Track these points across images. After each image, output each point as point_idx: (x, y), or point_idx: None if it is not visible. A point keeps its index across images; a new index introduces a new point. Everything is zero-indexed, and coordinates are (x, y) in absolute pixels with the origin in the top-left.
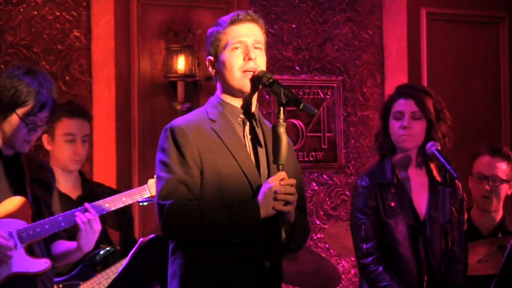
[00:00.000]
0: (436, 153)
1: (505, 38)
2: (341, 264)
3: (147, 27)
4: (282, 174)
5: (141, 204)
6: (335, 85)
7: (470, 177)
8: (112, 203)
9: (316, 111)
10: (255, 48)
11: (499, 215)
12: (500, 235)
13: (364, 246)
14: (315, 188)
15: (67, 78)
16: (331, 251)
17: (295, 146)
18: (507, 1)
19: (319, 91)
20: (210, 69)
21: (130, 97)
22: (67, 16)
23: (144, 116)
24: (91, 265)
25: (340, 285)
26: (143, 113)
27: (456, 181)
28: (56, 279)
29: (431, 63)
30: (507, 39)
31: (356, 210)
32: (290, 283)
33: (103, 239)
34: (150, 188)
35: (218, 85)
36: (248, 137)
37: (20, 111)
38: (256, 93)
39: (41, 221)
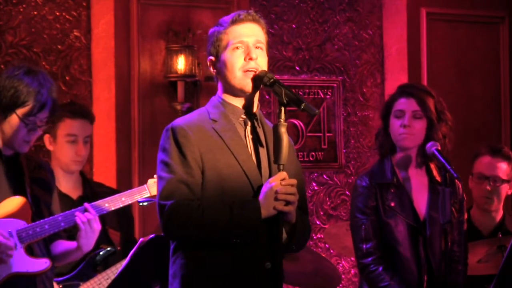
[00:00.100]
0: (436, 153)
1: (505, 38)
2: (341, 264)
3: (147, 27)
4: (283, 174)
5: (141, 204)
6: (335, 85)
7: (471, 177)
8: (112, 203)
9: (317, 111)
10: (256, 48)
11: (499, 215)
12: (500, 235)
13: (364, 246)
14: (315, 188)
15: (67, 78)
16: (331, 251)
17: (295, 146)
18: (507, 1)
19: (319, 91)
20: (211, 69)
21: (130, 97)
22: (67, 16)
23: (144, 116)
24: (91, 265)
25: (340, 285)
26: (143, 113)
27: (456, 181)
28: (56, 279)
29: (431, 63)
30: (507, 39)
31: (356, 210)
32: (290, 283)
33: (104, 239)
34: (150, 188)
35: (219, 85)
36: (249, 137)
37: (20, 111)
38: (258, 93)
39: (41, 221)
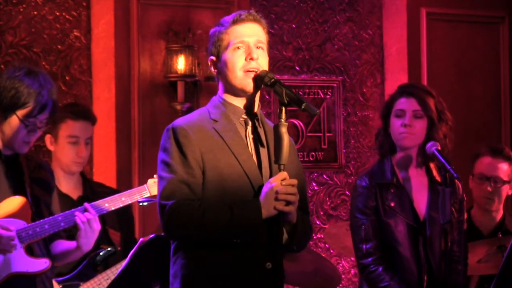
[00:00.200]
0: (436, 153)
1: (505, 38)
2: (341, 264)
3: (147, 27)
4: (284, 174)
5: (141, 204)
6: (335, 85)
7: (471, 177)
8: (111, 203)
9: (317, 111)
10: (257, 48)
11: (499, 215)
12: (500, 235)
13: (364, 246)
14: (315, 188)
15: (67, 78)
16: (331, 251)
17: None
18: (507, 1)
19: (319, 91)
20: (212, 69)
21: (130, 97)
22: (67, 16)
23: (144, 116)
24: (91, 265)
25: (340, 285)
26: (143, 113)
27: (456, 181)
28: (56, 279)
29: (431, 63)
30: (507, 39)
31: (356, 210)
32: (290, 283)
33: (104, 239)
34: (149, 188)
35: (220, 85)
36: (250, 137)
37: (20, 112)
38: (259, 93)
39: (41, 221)
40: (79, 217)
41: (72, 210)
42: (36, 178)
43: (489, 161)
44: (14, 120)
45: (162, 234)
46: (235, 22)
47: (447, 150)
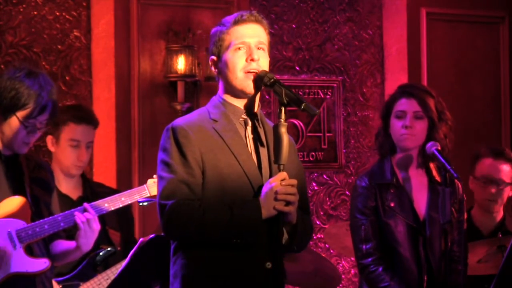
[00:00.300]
0: (436, 153)
1: (505, 38)
2: (341, 264)
3: (147, 27)
4: (283, 174)
5: (141, 204)
6: (335, 85)
7: (472, 178)
8: (111, 203)
9: (317, 111)
10: (258, 49)
11: (499, 215)
12: (500, 235)
13: (364, 246)
14: (315, 188)
15: (67, 78)
16: (331, 251)
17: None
18: (507, 1)
19: (319, 91)
20: (212, 68)
21: (130, 97)
22: (67, 16)
23: (144, 116)
24: (91, 265)
25: (340, 285)
26: (143, 113)
27: (456, 181)
28: (56, 279)
29: (431, 63)
30: (507, 39)
31: (356, 210)
32: (290, 283)
33: (104, 239)
34: (149, 188)
35: (220, 85)
36: (250, 137)
37: (20, 113)
38: (259, 93)
39: (41, 221)
40: (79, 217)
41: (72, 210)
42: (36, 178)
43: (492, 163)
44: (14, 121)
45: (162, 234)
46: (236, 22)
47: (447, 150)
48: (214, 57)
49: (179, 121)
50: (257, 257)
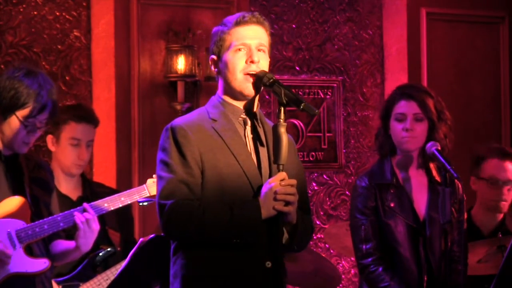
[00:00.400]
0: (436, 153)
1: (505, 38)
2: (341, 264)
3: (147, 27)
4: (283, 174)
5: (141, 204)
6: (335, 85)
7: (475, 179)
8: (111, 203)
9: (317, 111)
10: (259, 50)
11: (500, 215)
12: (500, 235)
13: (364, 246)
14: (315, 188)
15: (67, 78)
16: (331, 251)
17: None
18: (507, 1)
19: (319, 91)
20: (212, 68)
21: (130, 97)
22: (67, 16)
23: (144, 116)
24: (91, 266)
25: (340, 285)
26: (143, 113)
27: (456, 181)
28: (56, 279)
29: (431, 63)
30: (507, 39)
31: (356, 210)
32: (290, 283)
33: (104, 239)
34: (149, 188)
35: (220, 85)
36: (249, 136)
37: (20, 113)
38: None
39: (40, 221)
40: (78, 217)
41: (71, 210)
42: (36, 178)
43: (499, 164)
44: (13, 121)
45: (162, 234)
46: (238, 23)
47: (448, 149)
48: (214, 57)
49: (178, 121)
50: (257, 257)
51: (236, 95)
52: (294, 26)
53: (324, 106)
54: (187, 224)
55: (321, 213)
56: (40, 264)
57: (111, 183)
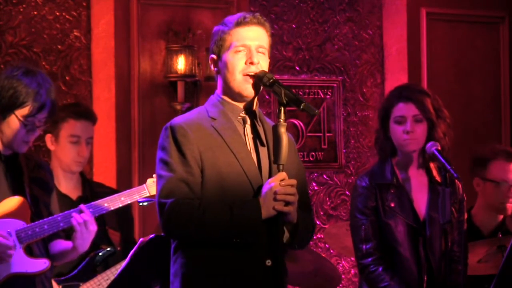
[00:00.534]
0: (436, 153)
1: (505, 38)
2: (341, 264)
3: (147, 27)
4: (283, 174)
5: (141, 204)
6: (335, 85)
7: (479, 180)
8: (111, 203)
9: (317, 111)
10: (258, 52)
11: (500, 216)
12: (500, 235)
13: (364, 246)
14: (315, 188)
15: (67, 78)
16: (331, 251)
17: None
18: (507, 1)
19: (319, 91)
20: (212, 67)
21: (130, 97)
22: (67, 16)
23: (144, 116)
24: (91, 266)
25: (340, 285)
26: (143, 113)
27: (456, 181)
28: (56, 279)
29: (431, 63)
30: (507, 39)
31: (356, 210)
32: (290, 283)
33: (104, 239)
34: (149, 188)
35: (219, 84)
36: (249, 135)
37: (19, 112)
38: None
39: (40, 221)
40: (76, 218)
41: (71, 210)
42: (36, 178)
43: (507, 166)
44: (13, 120)
45: (162, 234)
46: (239, 24)
47: (447, 148)
48: (214, 56)
49: (178, 120)
50: (257, 255)
51: (235, 95)
52: (294, 26)
53: (324, 106)
54: (187, 224)
55: (321, 213)
56: (40, 264)
57: (111, 183)
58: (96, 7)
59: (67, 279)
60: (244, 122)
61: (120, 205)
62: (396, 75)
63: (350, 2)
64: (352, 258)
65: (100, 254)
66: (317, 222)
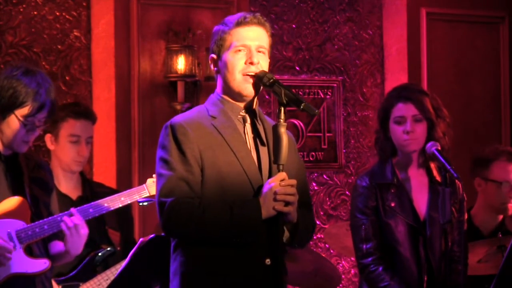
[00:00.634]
0: (436, 153)
1: (505, 38)
2: (341, 264)
3: (147, 27)
4: (283, 174)
5: (141, 204)
6: (335, 85)
7: (480, 180)
8: (111, 203)
9: (317, 111)
10: (259, 52)
11: (500, 216)
12: (500, 235)
13: (364, 246)
14: (315, 188)
15: (67, 78)
16: (331, 251)
17: None
18: (507, 1)
19: (319, 91)
20: (212, 66)
21: (130, 97)
22: (67, 16)
23: (144, 116)
24: (91, 266)
25: (340, 285)
26: (143, 113)
27: (456, 181)
28: (56, 279)
29: (431, 63)
30: (507, 39)
31: (356, 210)
32: (290, 283)
33: (104, 239)
34: (149, 188)
35: (219, 84)
36: (249, 134)
37: (19, 112)
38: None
39: (40, 221)
40: (66, 221)
41: (60, 214)
42: (35, 178)
43: (510, 167)
44: (12, 120)
45: (162, 234)
46: (239, 24)
47: (448, 147)
48: (214, 56)
49: (178, 118)
50: (256, 254)
51: (235, 95)
52: (294, 26)
53: (324, 106)
54: (187, 223)
55: (321, 213)
56: (40, 264)
57: (111, 183)
58: (96, 7)
59: (67, 279)
60: (244, 121)
61: (120, 205)
62: (396, 75)
63: (350, 2)
64: (352, 258)
65: (100, 254)
66: (317, 222)
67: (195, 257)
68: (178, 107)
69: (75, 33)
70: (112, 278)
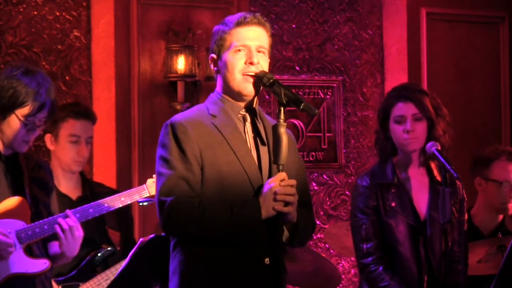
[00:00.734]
0: (436, 153)
1: (505, 38)
2: (341, 264)
3: (147, 27)
4: (283, 174)
5: (141, 204)
6: (335, 85)
7: (481, 180)
8: (111, 203)
9: (317, 111)
10: (258, 52)
11: (500, 215)
12: (500, 235)
13: (364, 246)
14: (315, 188)
15: (67, 78)
16: (331, 251)
17: None
18: (507, 1)
19: (319, 91)
20: (212, 66)
21: (130, 97)
22: (67, 16)
23: (144, 116)
24: (90, 266)
25: (340, 285)
26: (143, 113)
27: (457, 181)
28: (56, 279)
29: (431, 63)
30: (507, 39)
31: (357, 210)
32: (290, 283)
33: (104, 239)
34: (149, 188)
35: (218, 83)
36: (249, 133)
37: (19, 111)
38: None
39: (40, 221)
40: (61, 224)
41: (58, 215)
42: (35, 178)
43: (511, 167)
44: (13, 120)
45: (162, 234)
46: (239, 24)
47: (447, 146)
48: (214, 55)
49: (178, 117)
50: (255, 254)
51: (235, 95)
52: (294, 26)
53: (324, 106)
54: (187, 223)
55: (321, 213)
56: (40, 264)
57: (111, 183)
58: (96, 7)
59: (67, 279)
60: (245, 120)
61: (120, 205)
62: (396, 75)
63: (350, 2)
64: (352, 258)
65: (100, 254)
66: (317, 222)
67: (194, 256)
68: (178, 107)
69: (75, 33)
70: (112, 278)
